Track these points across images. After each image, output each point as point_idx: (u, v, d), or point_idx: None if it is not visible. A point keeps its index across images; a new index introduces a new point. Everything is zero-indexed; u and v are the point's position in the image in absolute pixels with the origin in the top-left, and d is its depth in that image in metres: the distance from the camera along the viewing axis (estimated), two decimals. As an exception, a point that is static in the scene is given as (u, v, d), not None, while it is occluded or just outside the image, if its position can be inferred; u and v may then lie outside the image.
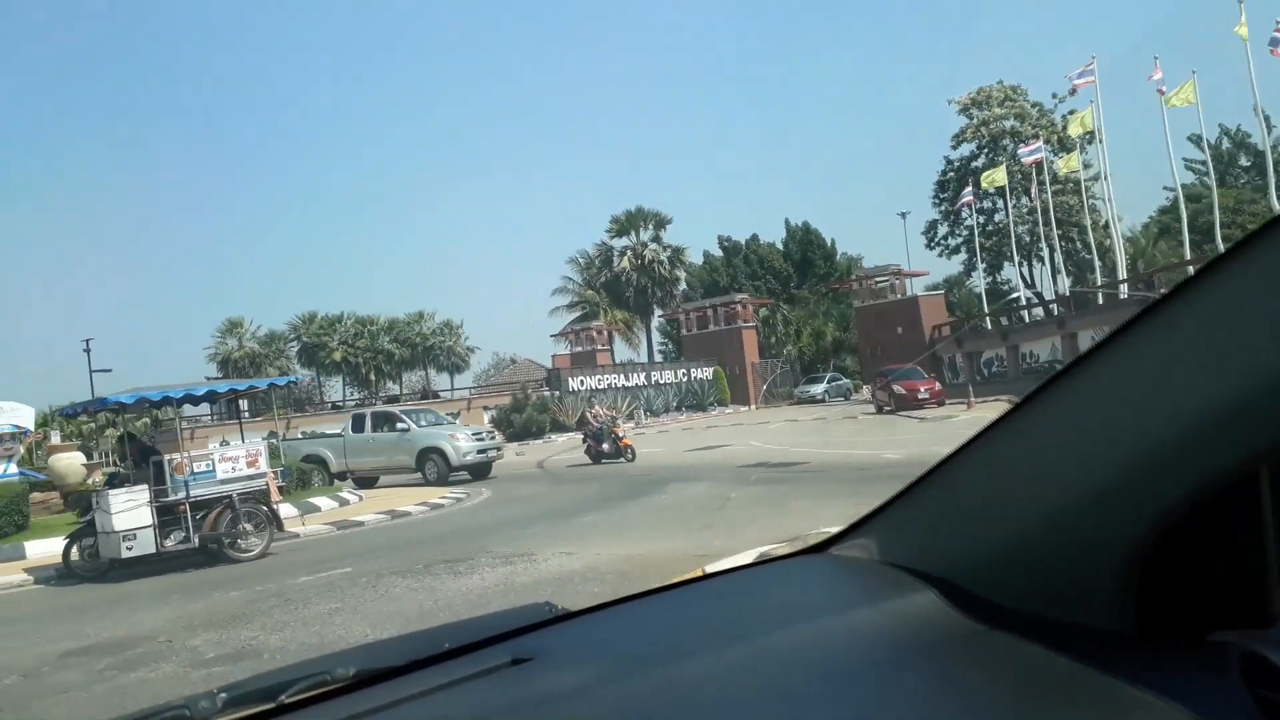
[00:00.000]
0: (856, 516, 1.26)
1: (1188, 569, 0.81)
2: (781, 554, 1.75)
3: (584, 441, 21.68)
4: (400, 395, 48.85)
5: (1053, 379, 0.85)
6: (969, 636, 0.89)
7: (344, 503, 17.21)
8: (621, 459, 20.16)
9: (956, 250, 50.31)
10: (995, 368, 35.25)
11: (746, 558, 6.69)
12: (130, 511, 10.67)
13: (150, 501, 10.82)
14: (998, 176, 39.48)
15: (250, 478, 11.63)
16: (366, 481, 21.10)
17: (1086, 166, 38.42)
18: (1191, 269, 27.81)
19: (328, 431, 24.93)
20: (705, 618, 1.16)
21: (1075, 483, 0.82)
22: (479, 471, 20.31)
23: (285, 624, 7.18)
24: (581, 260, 57.87)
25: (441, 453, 19.80)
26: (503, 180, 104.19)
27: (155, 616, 8.06)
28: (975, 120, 46.34)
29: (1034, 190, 39.05)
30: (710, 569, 6.58)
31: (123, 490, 10.90)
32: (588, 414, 22.82)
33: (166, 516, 11.01)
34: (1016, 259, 43.37)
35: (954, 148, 48.20)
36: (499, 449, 21.39)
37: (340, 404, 47.51)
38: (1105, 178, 33.79)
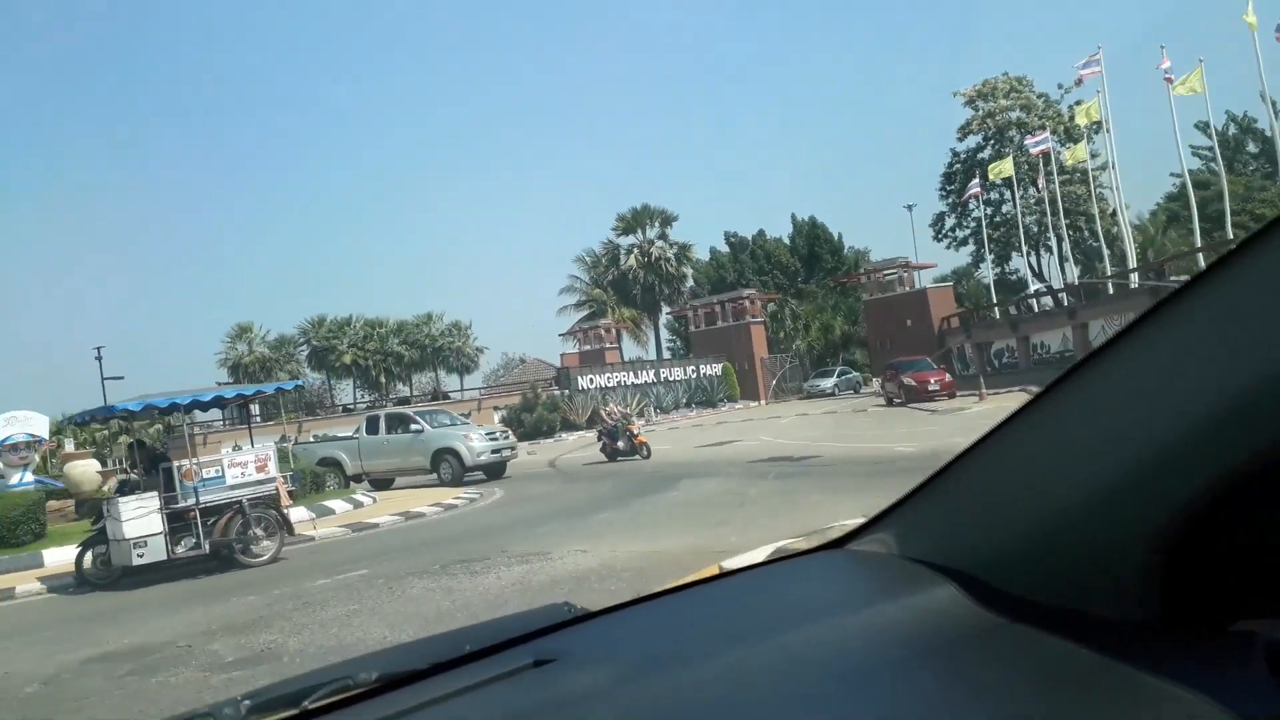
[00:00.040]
0: (871, 510, 1.26)
1: (1209, 558, 0.80)
2: (798, 550, 1.74)
3: (599, 439, 21.68)
4: (410, 397, 48.89)
5: (1071, 370, 0.85)
6: (990, 630, 0.89)
7: (358, 505, 17.26)
8: (637, 456, 20.15)
9: (964, 242, 50.21)
10: (1006, 358, 35.08)
11: (763, 553, 6.69)
12: (141, 519, 10.67)
13: (160, 508, 10.82)
14: (1005, 168, 39.32)
15: (260, 483, 11.63)
16: (382, 483, 21.17)
17: (1094, 156, 38.24)
18: (1202, 256, 27.59)
19: (340, 434, 25.01)
20: (726, 616, 1.15)
21: (1096, 474, 0.81)
22: (493, 471, 20.34)
23: (304, 627, 7.20)
24: (588, 259, 57.91)
25: (455, 453, 19.84)
26: (506, 180, 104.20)
27: (174, 622, 8.09)
28: (981, 112, 46.20)
29: (1041, 181, 38.88)
30: (727, 565, 6.58)
31: (133, 498, 10.90)
32: (602, 412, 22.85)
33: (177, 523, 11.02)
34: (1025, 249, 43.18)
35: (960, 140, 48.13)
36: (513, 448, 21.41)
37: (351, 407, 47.62)
38: (1113, 167, 33.60)
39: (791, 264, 55.22)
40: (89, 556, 11.17)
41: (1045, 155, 37.55)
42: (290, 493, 12.14)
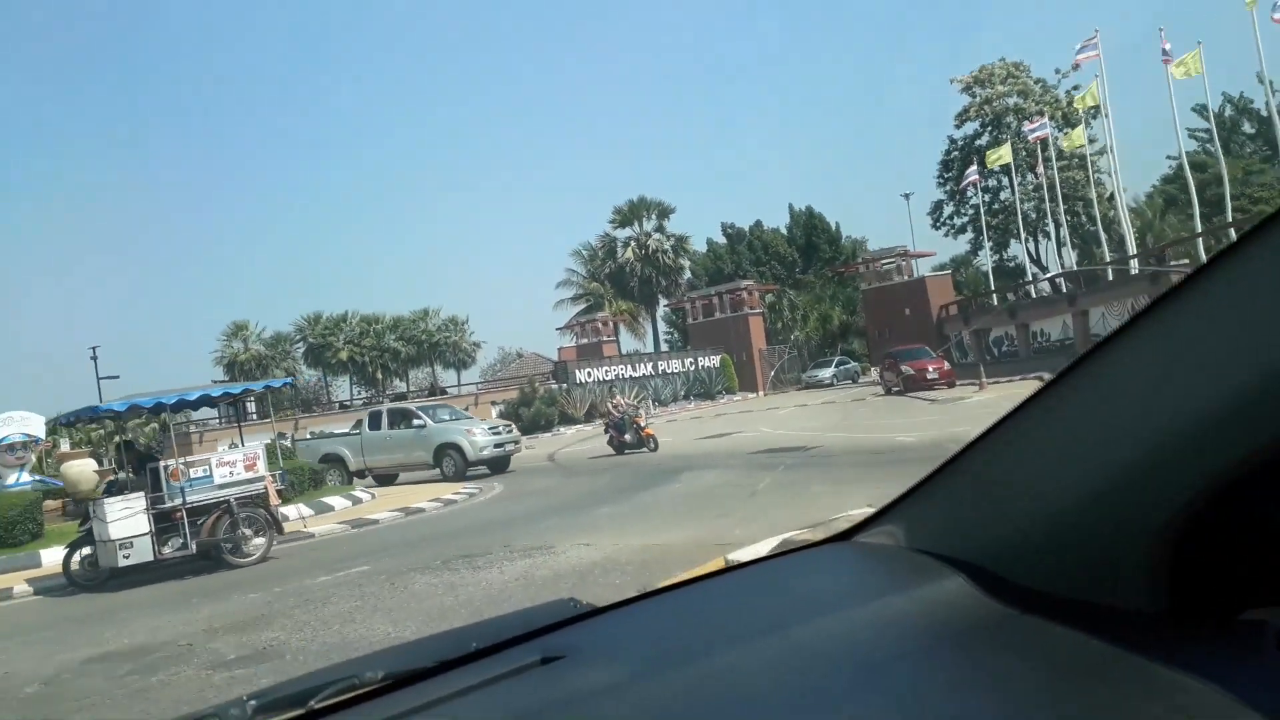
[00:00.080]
0: (873, 499, 1.21)
1: (1218, 547, 0.80)
2: (805, 542, 1.70)
3: (606, 432, 21.55)
4: (407, 393, 48.85)
5: (1079, 360, 0.84)
6: (1000, 621, 0.89)
7: (357, 501, 17.22)
8: (644, 449, 20.03)
9: (963, 229, 50.16)
10: (1006, 347, 35.05)
11: (767, 545, 6.62)
12: (127, 519, 10.54)
13: (147, 509, 10.69)
14: (1003, 154, 39.25)
15: (248, 481, 11.51)
16: (386, 478, 21.17)
17: (1091, 141, 38.18)
18: (1201, 241, 27.55)
19: (337, 431, 24.95)
20: (734, 610, 1.15)
21: (1104, 464, 0.81)
22: (497, 465, 20.28)
23: (305, 624, 7.14)
24: (585, 252, 57.85)
25: (458, 448, 19.79)
26: (505, 179, 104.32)
27: (173, 621, 8.03)
28: (978, 98, 46.10)
29: (1039, 167, 38.81)
30: (732, 558, 6.52)
31: (118, 498, 10.76)
32: (609, 404, 22.70)
33: (164, 523, 10.90)
34: (1023, 236, 43.12)
35: (958, 127, 48.04)
36: (516, 442, 21.32)
37: (348, 403, 47.57)
38: (1111, 151, 33.57)
39: (789, 254, 55.18)
40: (76, 558, 11.05)
41: (1043, 141, 37.49)
42: (279, 491, 12.01)
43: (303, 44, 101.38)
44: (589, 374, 41.51)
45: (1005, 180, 44.48)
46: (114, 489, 11.38)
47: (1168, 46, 28.26)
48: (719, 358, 45.80)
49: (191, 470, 11.24)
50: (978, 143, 46.33)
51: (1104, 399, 0.82)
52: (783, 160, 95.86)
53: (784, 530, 7.40)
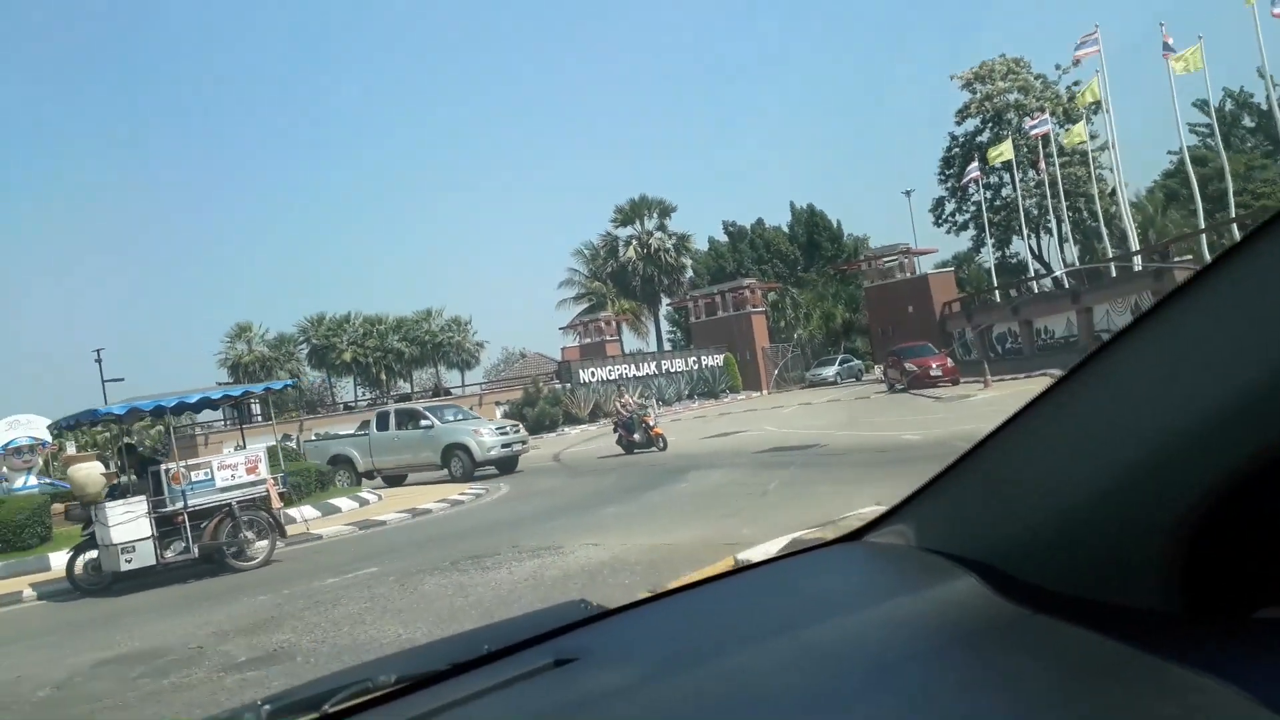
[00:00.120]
0: (881, 498, 1.23)
1: (1232, 545, 0.79)
2: (814, 541, 1.70)
3: (615, 431, 21.53)
4: (411, 394, 48.87)
5: (1088, 358, 0.83)
6: (1012, 621, 0.88)
7: (363, 502, 17.24)
8: (653, 448, 20.01)
9: (964, 226, 50.02)
10: (1009, 344, 35.00)
11: (776, 546, 6.63)
12: (128, 523, 10.53)
13: (148, 512, 10.67)
14: (1004, 151, 39.16)
15: (250, 485, 11.49)
16: (395, 479, 21.20)
17: (1093, 137, 38.09)
18: (1205, 238, 27.40)
19: (342, 432, 24.97)
20: (745, 611, 1.15)
21: (1115, 462, 0.80)
22: (505, 466, 20.29)
23: (316, 625, 7.16)
24: (587, 252, 57.74)
25: (466, 448, 19.79)
26: (505, 179, 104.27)
27: (183, 624, 8.06)
28: (979, 95, 45.96)
29: (1041, 163, 38.74)
30: (741, 557, 6.53)
31: (120, 502, 10.74)
32: (617, 404, 22.68)
33: (166, 527, 10.88)
34: (1025, 232, 43.06)
35: (958, 123, 47.87)
36: (524, 442, 21.32)
37: (352, 404, 47.59)
38: (1112, 146, 33.46)
39: (791, 252, 55.12)
40: (80, 562, 11.05)
41: (1044, 137, 37.42)
42: (281, 494, 12.00)
43: (303, 44, 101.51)
44: (592, 374, 41.48)
45: (1006, 177, 44.39)
46: (116, 493, 11.36)
47: (1170, 40, 28.18)
48: (722, 356, 45.75)
49: (193, 474, 11.23)
50: (979, 139, 46.18)
51: (1114, 396, 0.82)
52: (783, 159, 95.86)
53: (791, 529, 7.40)
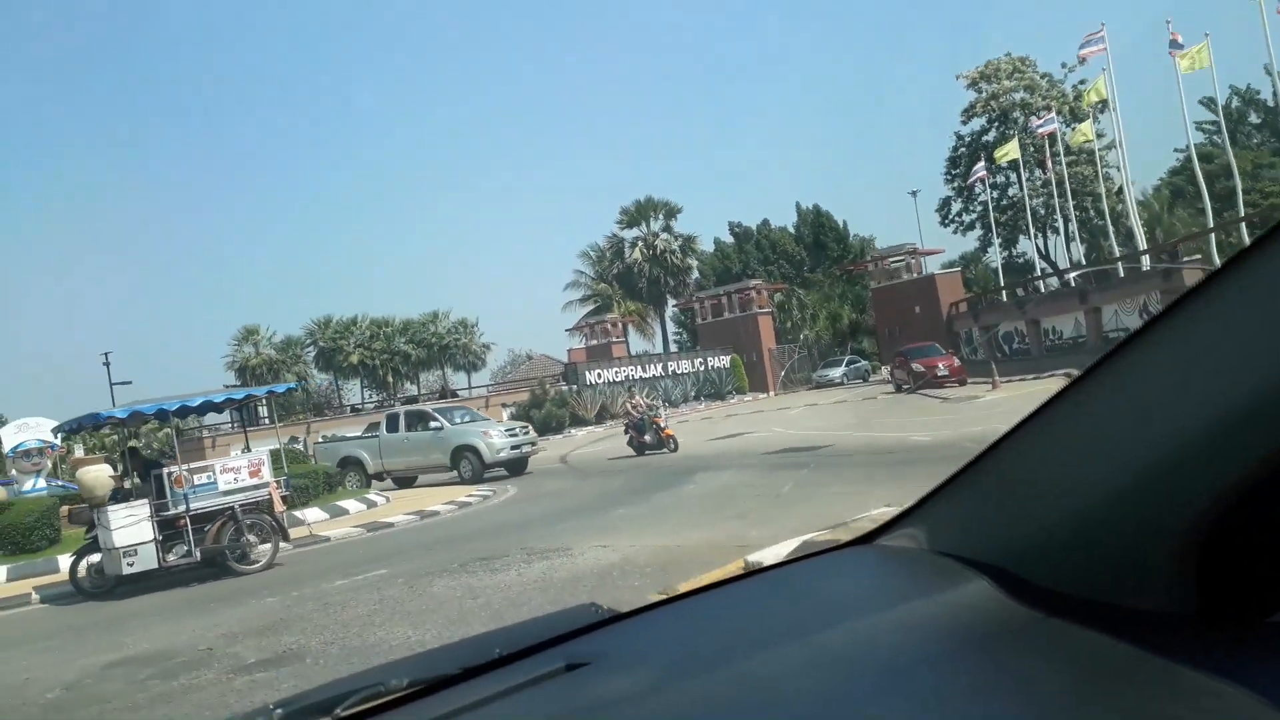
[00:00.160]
0: (890, 499, 1.21)
1: (1247, 549, 0.79)
2: (826, 544, 1.69)
3: (626, 432, 21.46)
4: (418, 396, 48.90)
5: (1101, 360, 0.83)
6: (1025, 624, 0.88)
7: (371, 505, 17.25)
8: (664, 449, 19.95)
9: (971, 226, 49.93)
10: (1016, 343, 34.88)
11: (787, 548, 6.59)
12: (131, 527, 10.52)
13: (151, 516, 10.66)
14: (1010, 150, 39.06)
15: (253, 488, 11.49)
16: (405, 481, 21.23)
17: (1100, 136, 37.97)
18: (1214, 237, 27.23)
19: (349, 435, 25.00)
20: (758, 615, 1.15)
21: (1129, 465, 0.80)
22: (515, 467, 20.26)
23: (325, 627, 7.14)
24: (593, 253, 57.79)
25: (475, 450, 19.78)
26: (509, 179, 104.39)
27: (191, 626, 8.05)
28: (984, 94, 45.88)
29: (1048, 162, 38.63)
30: (752, 559, 6.50)
31: (122, 505, 10.72)
32: (628, 404, 22.64)
33: (169, 530, 10.87)
34: (1032, 232, 42.95)
35: (964, 123, 47.80)
36: (534, 443, 21.28)
37: (359, 407, 47.66)
38: (1119, 145, 33.32)
39: (797, 253, 55.07)
40: (83, 565, 11.05)
41: (1051, 136, 37.31)
42: (284, 497, 11.98)
43: (303, 44, 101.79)
44: (599, 375, 41.49)
45: (1013, 176, 44.28)
46: (118, 496, 11.33)
47: (1179, 37, 28.04)
48: (728, 358, 45.72)
49: (195, 477, 11.22)
50: (985, 139, 46.10)
51: (1129, 398, 0.81)
52: (787, 159, 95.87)
53: (800, 531, 7.37)
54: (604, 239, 57.22)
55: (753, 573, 1.38)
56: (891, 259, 45.72)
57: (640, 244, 55.13)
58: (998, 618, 0.90)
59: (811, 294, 50.71)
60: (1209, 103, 41.51)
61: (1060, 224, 41.76)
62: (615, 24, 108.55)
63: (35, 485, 19.18)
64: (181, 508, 10.89)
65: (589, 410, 38.10)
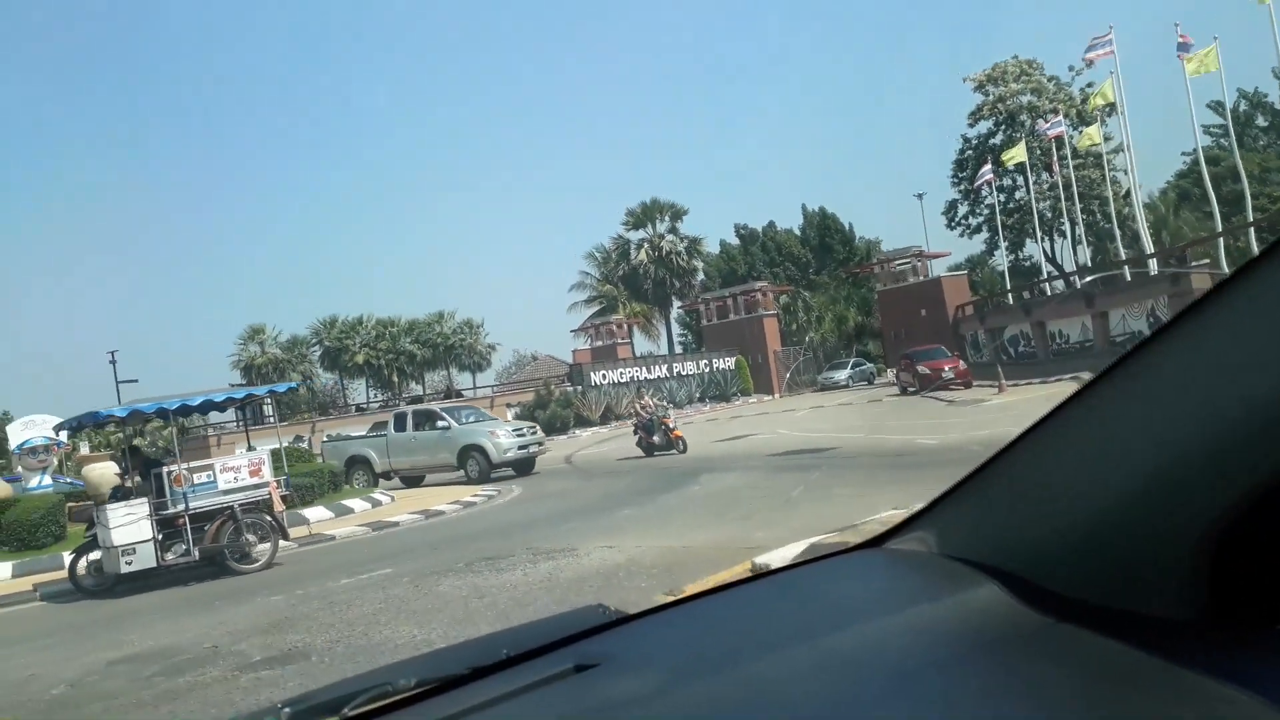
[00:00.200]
0: (897, 502, 1.19)
1: (1259, 555, 0.79)
2: (834, 546, 1.67)
3: (635, 433, 21.43)
4: (424, 396, 48.94)
5: (1114, 365, 0.83)
6: (1034, 629, 0.88)
7: (376, 504, 17.25)
8: (673, 450, 19.91)
9: (978, 229, 49.80)
10: (1022, 346, 34.78)
11: (794, 550, 6.56)
12: (130, 525, 10.50)
13: (150, 515, 10.64)
14: (1017, 153, 38.95)
15: (253, 487, 11.45)
16: (413, 480, 21.24)
17: (1107, 139, 37.86)
18: (1222, 241, 27.11)
19: (354, 434, 25.02)
20: (766, 618, 1.15)
21: (1140, 470, 0.80)
22: (522, 467, 20.26)
23: (330, 626, 7.13)
24: (598, 254, 57.83)
25: (482, 450, 19.78)
26: (512, 179, 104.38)
27: (196, 623, 8.05)
28: (991, 97, 45.78)
29: (1055, 165, 38.52)
30: (760, 561, 6.46)
31: (122, 504, 10.71)
32: (636, 405, 22.62)
33: (168, 529, 10.85)
34: (1039, 235, 42.84)
35: (971, 125, 47.69)
36: (540, 443, 21.29)
37: (364, 406, 47.72)
38: (1127, 148, 33.21)
39: (803, 255, 54.99)
40: (83, 563, 11.04)
41: (1058, 139, 37.21)
42: (284, 497, 11.97)
43: (303, 44, 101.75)
44: (604, 376, 41.47)
45: (1020, 179, 44.17)
46: (119, 494, 11.32)
47: (1190, 40, 27.91)
48: (734, 359, 45.67)
49: (195, 476, 11.20)
50: (991, 142, 46.02)
51: (1142, 403, 0.81)
52: (793, 161, 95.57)
53: (806, 533, 7.34)
54: (609, 240, 57.38)
55: (761, 575, 1.38)
56: (897, 261, 45.64)
57: (646, 245, 55.13)
58: (1008, 622, 0.90)
59: (817, 296, 50.63)
60: (1217, 106, 41.41)
61: (1067, 227, 41.69)
62: (615, 24, 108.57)
63: (41, 482, 19.24)
64: (181, 506, 10.88)
65: (594, 411, 38.08)
